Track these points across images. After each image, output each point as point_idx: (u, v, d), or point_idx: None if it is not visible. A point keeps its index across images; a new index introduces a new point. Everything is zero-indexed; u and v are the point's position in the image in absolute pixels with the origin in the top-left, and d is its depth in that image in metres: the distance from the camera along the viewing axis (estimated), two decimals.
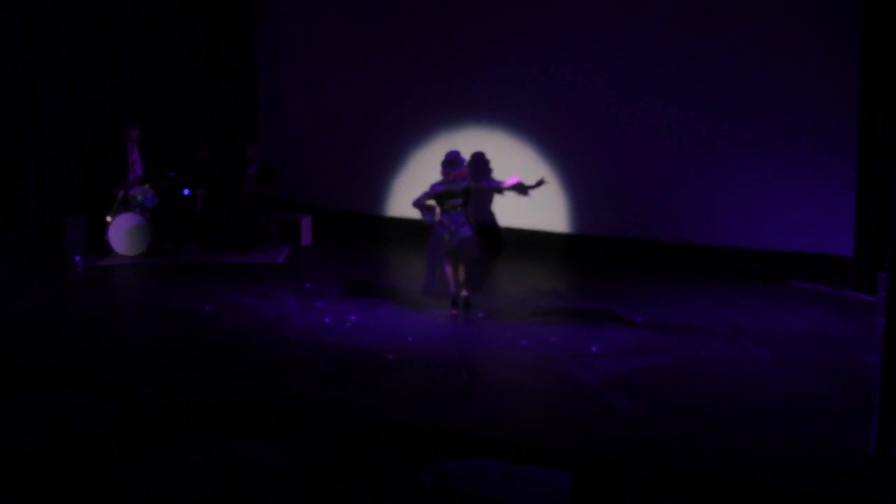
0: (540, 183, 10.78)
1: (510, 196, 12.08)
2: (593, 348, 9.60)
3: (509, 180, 10.86)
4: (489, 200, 13.63)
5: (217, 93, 15.05)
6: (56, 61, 13.32)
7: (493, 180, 11.59)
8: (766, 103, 12.13)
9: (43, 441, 6.22)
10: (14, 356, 9.18)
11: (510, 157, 13.31)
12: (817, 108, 11.88)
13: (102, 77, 14.03)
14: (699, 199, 12.62)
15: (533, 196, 11.03)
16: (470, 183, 10.96)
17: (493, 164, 13.31)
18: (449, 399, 8.26)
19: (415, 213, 13.92)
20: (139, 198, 13.10)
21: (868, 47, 11.10)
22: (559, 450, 7.23)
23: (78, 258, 12.56)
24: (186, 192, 13.59)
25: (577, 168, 13.29)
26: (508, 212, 13.61)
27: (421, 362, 9.24)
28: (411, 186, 14.06)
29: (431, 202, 10.92)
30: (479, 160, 13.20)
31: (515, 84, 13.48)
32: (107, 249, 12.98)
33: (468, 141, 13.45)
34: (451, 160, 10.86)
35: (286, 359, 9.29)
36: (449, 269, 10.97)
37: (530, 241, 13.48)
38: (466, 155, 11.23)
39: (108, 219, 12.93)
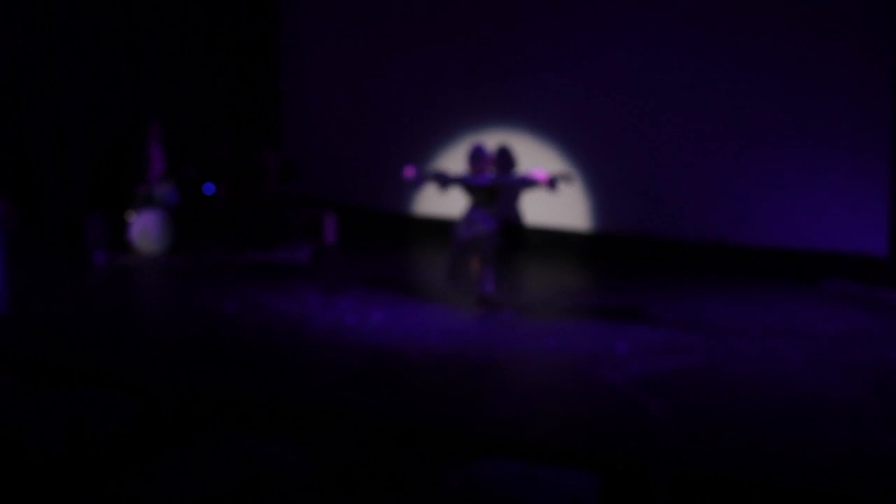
0: (565, 176, 10.69)
1: (536, 194, 12.08)
2: (622, 349, 9.50)
3: (536, 173, 10.72)
4: (514, 198, 13.54)
5: (240, 89, 15.08)
6: (77, 58, 13.35)
7: (520, 175, 11.42)
8: (798, 102, 12.05)
9: (63, 440, 6.19)
10: (34, 355, 9.19)
11: (537, 155, 13.25)
12: (850, 106, 11.78)
13: (124, 73, 14.06)
14: (730, 198, 12.55)
15: (561, 194, 10.97)
16: (496, 180, 10.86)
17: (519, 161, 13.24)
18: (474, 399, 8.18)
19: (439, 211, 14.01)
20: (161, 195, 13.11)
21: None
22: (587, 451, 7.16)
23: (99, 255, 12.56)
24: (211, 189, 13.57)
25: (605, 166, 13.26)
26: (534, 210, 13.57)
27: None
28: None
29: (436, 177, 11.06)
30: (505, 153, 13.12)
31: (543, 82, 13.46)
32: (128, 247, 12.98)
33: (494, 139, 13.43)
34: (475, 154, 10.79)
35: (308, 358, 9.24)
36: (474, 265, 10.90)
37: (557, 240, 13.43)
38: (493, 147, 11.25)
39: (131, 216, 12.95)
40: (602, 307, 11.17)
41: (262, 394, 8.26)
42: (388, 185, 14.68)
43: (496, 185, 10.85)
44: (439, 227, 14.14)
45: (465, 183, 10.82)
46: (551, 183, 10.57)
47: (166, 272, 12.60)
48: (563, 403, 8.29)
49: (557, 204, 13.06)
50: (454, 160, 13.88)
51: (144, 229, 12.98)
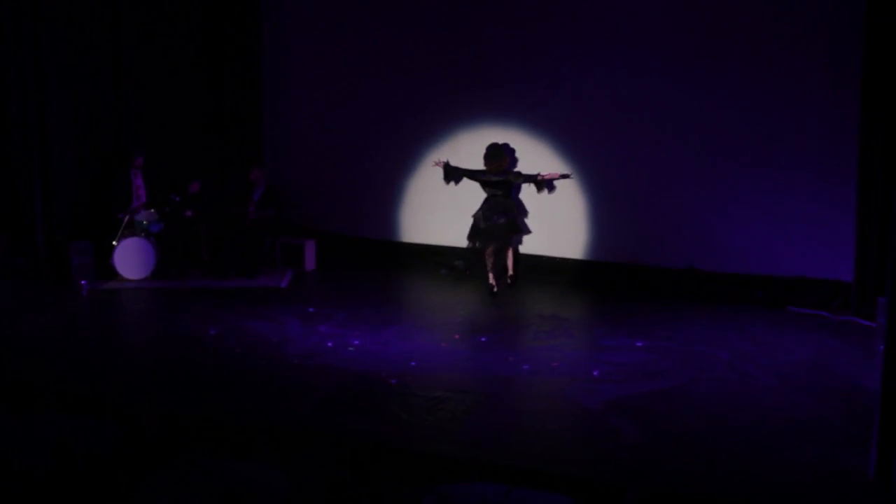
0: (564, 176, 12.78)
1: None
2: (595, 373, 9.64)
3: (546, 173, 12.73)
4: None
5: (223, 119, 15.09)
6: (64, 89, 13.41)
7: (531, 174, 12.85)
8: (767, 128, 12.21)
9: (49, 464, 6.26)
10: (20, 379, 9.24)
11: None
12: (818, 133, 11.95)
13: (109, 104, 14.10)
14: (701, 224, 12.68)
15: (536, 223, 11.48)
16: (508, 177, 12.67)
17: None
18: (451, 422, 8.30)
19: (420, 238, 14.13)
20: (144, 222, 13.18)
21: (868, 72, 11.18)
22: (562, 474, 7.27)
23: (84, 282, 12.62)
24: (188, 213, 13.65)
25: (578, 194, 13.35)
26: None
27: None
28: (416, 212, 14.19)
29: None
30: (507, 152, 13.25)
31: (520, 108, 13.50)
32: (112, 273, 13.07)
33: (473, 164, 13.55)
34: (489, 153, 12.72)
35: (289, 382, 9.33)
36: (488, 256, 12.65)
37: (533, 267, 13.46)
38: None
39: (114, 243, 13.02)
40: (577, 332, 11.31)
41: (244, 417, 8.36)
42: (368, 212, 14.75)
43: (511, 180, 12.68)
44: (417, 253, 14.28)
45: (482, 179, 12.63)
46: (549, 182, 12.72)
47: (149, 298, 12.67)
48: (538, 427, 8.41)
49: (534, 232, 13.18)
50: (433, 189, 14.00)
51: (128, 256, 13.06)
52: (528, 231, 13.03)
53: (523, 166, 13.19)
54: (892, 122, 11.05)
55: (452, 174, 12.95)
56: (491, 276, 12.72)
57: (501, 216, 12.66)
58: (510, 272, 12.73)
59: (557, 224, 13.40)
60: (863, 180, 11.38)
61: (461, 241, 13.54)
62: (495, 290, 12.68)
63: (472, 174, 12.82)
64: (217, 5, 14.92)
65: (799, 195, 12.09)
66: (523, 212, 13.20)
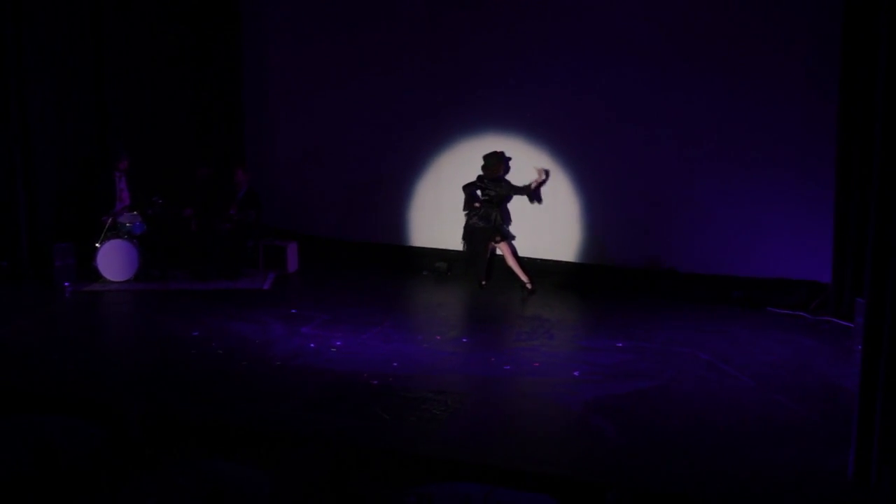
0: (544, 179, 13.21)
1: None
2: (576, 373, 9.70)
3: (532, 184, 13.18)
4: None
5: (205, 121, 15.09)
6: (46, 91, 13.40)
7: (520, 185, 13.32)
8: (747, 132, 12.30)
9: (32, 466, 6.28)
10: (3, 382, 9.25)
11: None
12: (797, 136, 12.05)
13: (92, 106, 14.11)
14: (681, 226, 12.77)
15: (518, 226, 12.52)
16: (502, 185, 13.09)
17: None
18: (433, 424, 8.35)
19: (402, 240, 14.18)
20: (127, 225, 13.18)
21: (846, 76, 11.25)
22: (542, 474, 7.32)
23: (67, 284, 12.63)
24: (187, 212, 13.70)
25: (559, 198, 13.42)
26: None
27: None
28: (398, 214, 14.21)
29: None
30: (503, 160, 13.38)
31: (500, 111, 13.59)
32: (95, 276, 13.08)
33: (453, 167, 13.61)
34: (485, 163, 13.10)
35: (271, 384, 9.36)
36: (484, 255, 13.11)
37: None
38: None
39: (97, 245, 13.02)
40: (558, 333, 11.33)
41: (227, 418, 8.39)
42: (349, 214, 14.76)
43: (504, 191, 13.13)
44: (398, 254, 14.31)
45: (479, 185, 13.08)
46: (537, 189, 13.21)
47: (132, 300, 12.66)
48: (519, 427, 8.48)
49: (516, 234, 13.23)
50: (417, 189, 14.06)
51: (111, 258, 13.07)
52: (513, 237, 13.24)
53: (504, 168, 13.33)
54: (870, 125, 11.10)
55: (470, 202, 13.24)
56: (483, 272, 13.16)
57: (491, 221, 12.99)
58: (525, 280, 12.99)
59: (538, 227, 13.47)
60: (841, 182, 11.45)
61: (443, 242, 13.62)
62: (483, 283, 13.16)
63: (474, 192, 13.19)
64: (198, 9, 14.92)
65: (778, 197, 12.19)
66: (507, 219, 13.35)
